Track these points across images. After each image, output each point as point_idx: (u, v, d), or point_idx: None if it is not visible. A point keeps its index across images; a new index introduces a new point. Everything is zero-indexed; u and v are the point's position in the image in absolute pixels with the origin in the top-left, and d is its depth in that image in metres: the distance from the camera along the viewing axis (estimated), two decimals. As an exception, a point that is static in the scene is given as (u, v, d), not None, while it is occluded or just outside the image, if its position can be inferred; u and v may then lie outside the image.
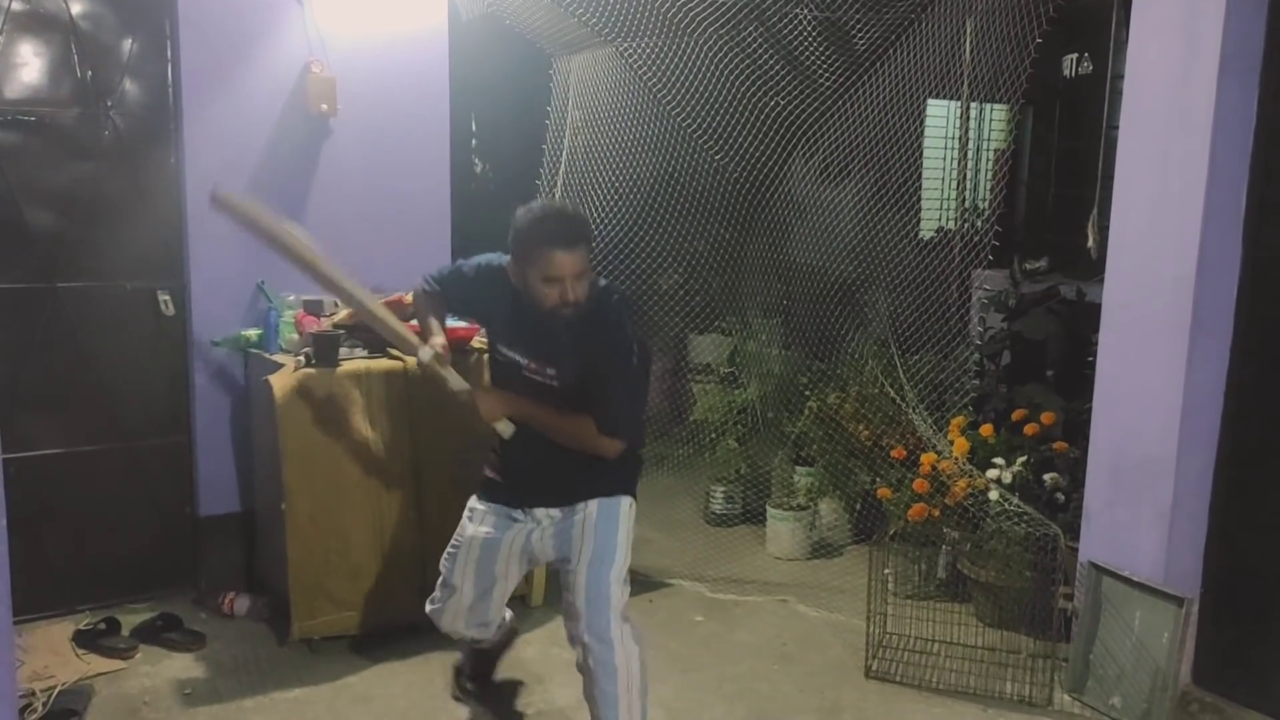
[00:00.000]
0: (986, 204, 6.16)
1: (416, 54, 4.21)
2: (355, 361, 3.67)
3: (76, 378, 3.81)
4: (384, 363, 3.70)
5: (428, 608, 3.14)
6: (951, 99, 4.94)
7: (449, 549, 3.03)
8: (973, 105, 5.08)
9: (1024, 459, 4.02)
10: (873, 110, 3.99)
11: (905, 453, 4.35)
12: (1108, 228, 3.40)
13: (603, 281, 2.78)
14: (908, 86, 4.03)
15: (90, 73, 3.70)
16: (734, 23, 4.01)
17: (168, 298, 3.91)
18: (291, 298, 3.94)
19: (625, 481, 2.87)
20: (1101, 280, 3.41)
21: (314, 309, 3.92)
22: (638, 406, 2.87)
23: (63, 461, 3.81)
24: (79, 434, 3.84)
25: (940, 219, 5.85)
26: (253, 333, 3.93)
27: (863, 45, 3.83)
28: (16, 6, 3.56)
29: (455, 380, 2.83)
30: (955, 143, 5.27)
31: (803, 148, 4.25)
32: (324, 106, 3.97)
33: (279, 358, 3.76)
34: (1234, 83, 3.00)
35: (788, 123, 4.27)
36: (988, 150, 6.45)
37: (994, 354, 5.14)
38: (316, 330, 3.67)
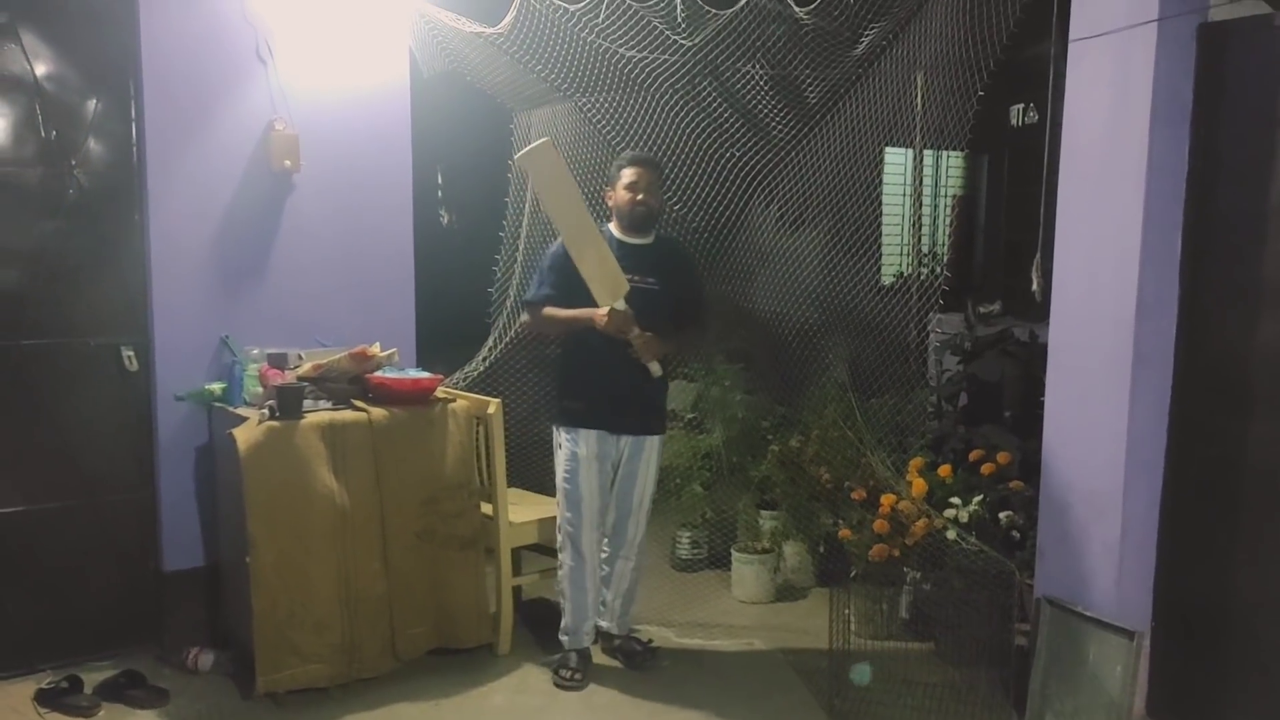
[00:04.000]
0: (944, 249, 6.31)
1: (379, 109, 4.29)
2: (320, 413, 3.70)
3: (39, 434, 3.81)
4: (348, 414, 3.74)
5: (564, 569, 3.85)
6: (908, 147, 5.08)
7: (564, 473, 3.78)
8: (929, 153, 5.23)
9: (980, 498, 4.09)
10: (828, 160, 4.11)
11: (866, 494, 4.39)
12: (1051, 271, 3.50)
13: None
14: (862, 136, 4.15)
15: (55, 132, 3.75)
16: (689, 78, 4.13)
17: (131, 353, 3.92)
18: (255, 351, 3.97)
19: (666, 419, 4.04)
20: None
21: (278, 362, 3.95)
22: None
23: (25, 519, 3.79)
24: (41, 490, 3.82)
25: (900, 265, 5.98)
26: (217, 386, 3.95)
27: (814, 99, 3.95)
28: (-19, 69, 3.60)
29: (638, 328, 3.62)
30: (911, 189, 5.40)
31: (760, 197, 4.37)
32: (287, 162, 4.03)
33: (243, 411, 3.79)
34: (1165, 131, 3.13)
35: (745, 173, 4.39)
36: (945, 196, 6.61)
37: (951, 396, 5.25)
38: (280, 383, 3.70)
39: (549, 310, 3.74)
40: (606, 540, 3.91)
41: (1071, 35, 3.29)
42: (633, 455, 3.81)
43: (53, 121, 3.74)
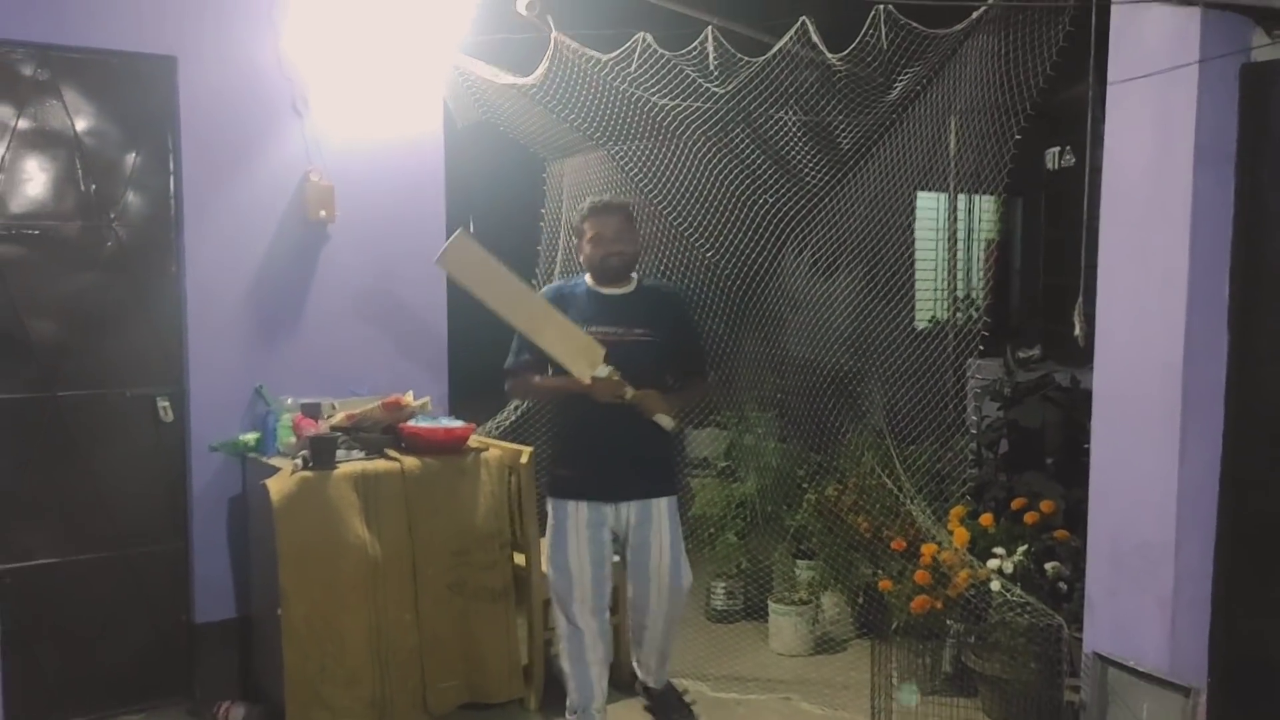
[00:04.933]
0: (979, 294, 6.25)
1: (413, 160, 4.31)
2: (353, 463, 3.69)
3: (74, 486, 3.81)
4: (381, 464, 3.71)
5: (561, 640, 3.56)
6: (940, 191, 5.04)
7: (551, 544, 3.50)
8: (961, 197, 5.19)
9: (1025, 548, 3.99)
10: (861, 205, 4.07)
11: (905, 544, 4.31)
12: (1094, 316, 3.44)
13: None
14: (895, 181, 4.12)
15: (94, 186, 3.79)
16: (722, 125, 4.12)
17: (167, 404, 3.93)
18: (289, 401, 3.97)
19: (677, 477, 3.71)
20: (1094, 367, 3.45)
21: (312, 412, 3.95)
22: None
23: (58, 571, 3.78)
24: (75, 542, 3.82)
25: (934, 309, 5.93)
26: (250, 437, 3.94)
27: (847, 144, 3.92)
28: (23, 125, 3.65)
29: (630, 388, 3.32)
30: (945, 234, 5.36)
31: (794, 243, 4.33)
32: (322, 213, 4.05)
33: (276, 461, 3.77)
34: (1210, 173, 3.07)
35: (778, 219, 4.35)
36: (978, 240, 6.56)
37: (992, 443, 5.15)
38: (314, 433, 3.70)
39: (529, 379, 3.49)
40: (632, 612, 3.67)
41: (1110, 77, 3.24)
42: (641, 523, 3.49)
43: (92, 175, 3.78)
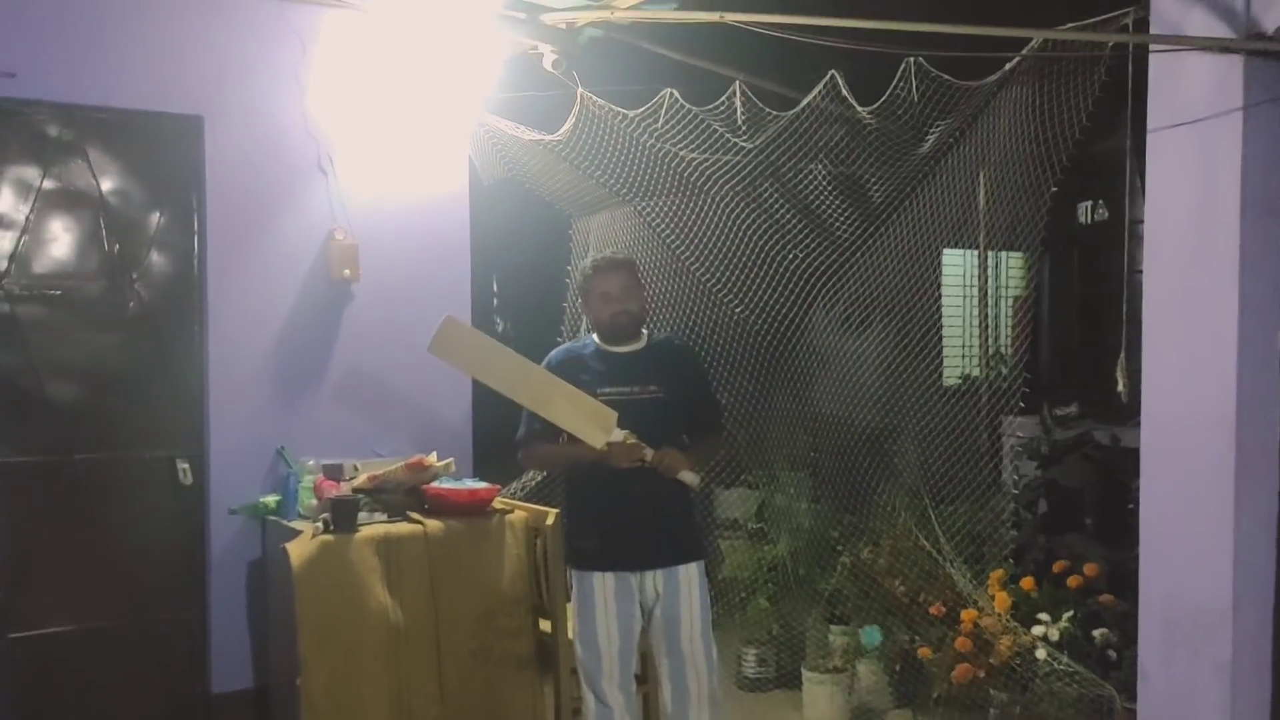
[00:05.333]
0: (1009, 351, 6.18)
1: (438, 218, 4.29)
2: (375, 526, 3.60)
3: (89, 551, 3.73)
4: (404, 527, 3.63)
5: (589, 717, 3.29)
6: (968, 248, 4.97)
7: (577, 619, 3.28)
8: (989, 253, 5.14)
9: (1071, 614, 3.84)
10: (892, 260, 4.00)
11: (945, 609, 4.16)
12: (1138, 371, 3.34)
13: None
14: (925, 236, 4.06)
15: (117, 246, 3.77)
16: (750, 180, 4.06)
17: (186, 466, 3.86)
18: (311, 462, 3.91)
19: (704, 540, 3.54)
20: (1136, 424, 3.33)
21: (333, 473, 3.87)
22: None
23: (74, 638, 3.70)
24: (89, 610, 3.74)
25: (963, 366, 5.83)
26: (271, 499, 3.87)
27: (879, 198, 3.86)
28: (48, 185, 3.65)
29: (649, 450, 3.15)
30: (974, 291, 5.28)
31: (824, 299, 4.24)
32: (346, 272, 4.03)
33: (297, 524, 3.70)
34: (1257, 222, 2.97)
35: (807, 275, 4.28)
36: (1005, 297, 6.49)
37: (1030, 503, 5.02)
38: (335, 495, 3.61)
39: (542, 449, 3.34)
40: (667, 690, 3.37)
41: (1151, 125, 3.17)
42: (669, 592, 3.27)
43: (116, 235, 3.76)
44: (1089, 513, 4.80)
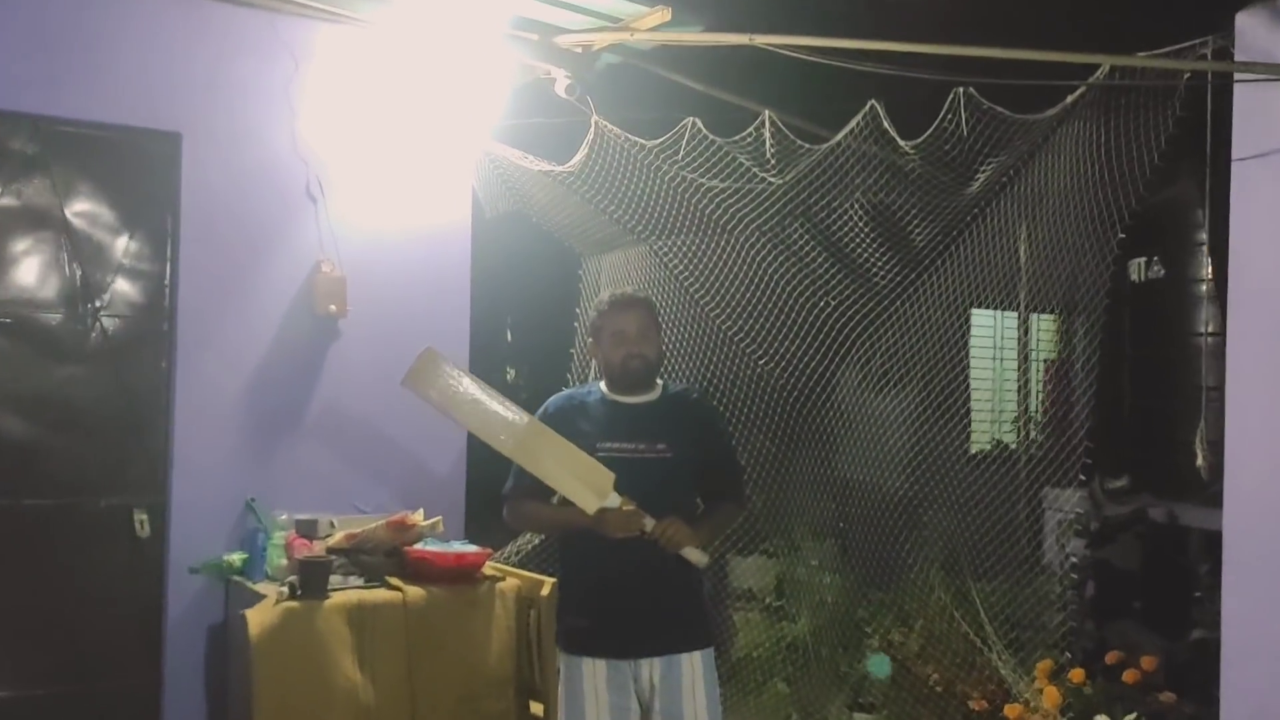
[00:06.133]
0: (1040, 415, 5.86)
1: (436, 252, 4.02)
2: (348, 592, 3.30)
3: (34, 610, 3.38)
4: (381, 593, 3.33)
5: None
6: (1004, 308, 4.66)
7: (564, 712, 2.89)
8: (1011, 314, 4.83)
9: (1134, 716, 3.40)
10: (933, 311, 3.63)
11: (987, 703, 3.74)
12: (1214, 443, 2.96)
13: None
14: (966, 290, 3.71)
15: (80, 271, 3.46)
16: (779, 219, 3.73)
17: (144, 517, 3.52)
18: (284, 517, 3.60)
19: (712, 624, 3.07)
20: (1204, 502, 2.95)
21: (307, 530, 3.56)
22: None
23: (9, 707, 3.34)
24: (32, 674, 3.37)
25: (994, 431, 5.48)
26: (236, 557, 3.55)
27: (921, 241, 3.50)
28: (6, 202, 3.36)
29: (649, 519, 2.77)
30: (1007, 353, 4.98)
31: (857, 352, 3.85)
32: (332, 307, 3.75)
33: (263, 587, 3.39)
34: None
35: (840, 325, 3.91)
36: (1037, 360, 6.19)
37: (1077, 584, 4.63)
38: (305, 556, 3.31)
39: (530, 509, 2.98)
40: None
41: (1235, 154, 2.81)
42: (669, 686, 2.85)
43: (78, 259, 3.46)
44: (1141, 597, 4.45)
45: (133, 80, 3.49)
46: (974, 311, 5.09)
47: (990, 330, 5.28)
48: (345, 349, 3.83)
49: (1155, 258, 4.87)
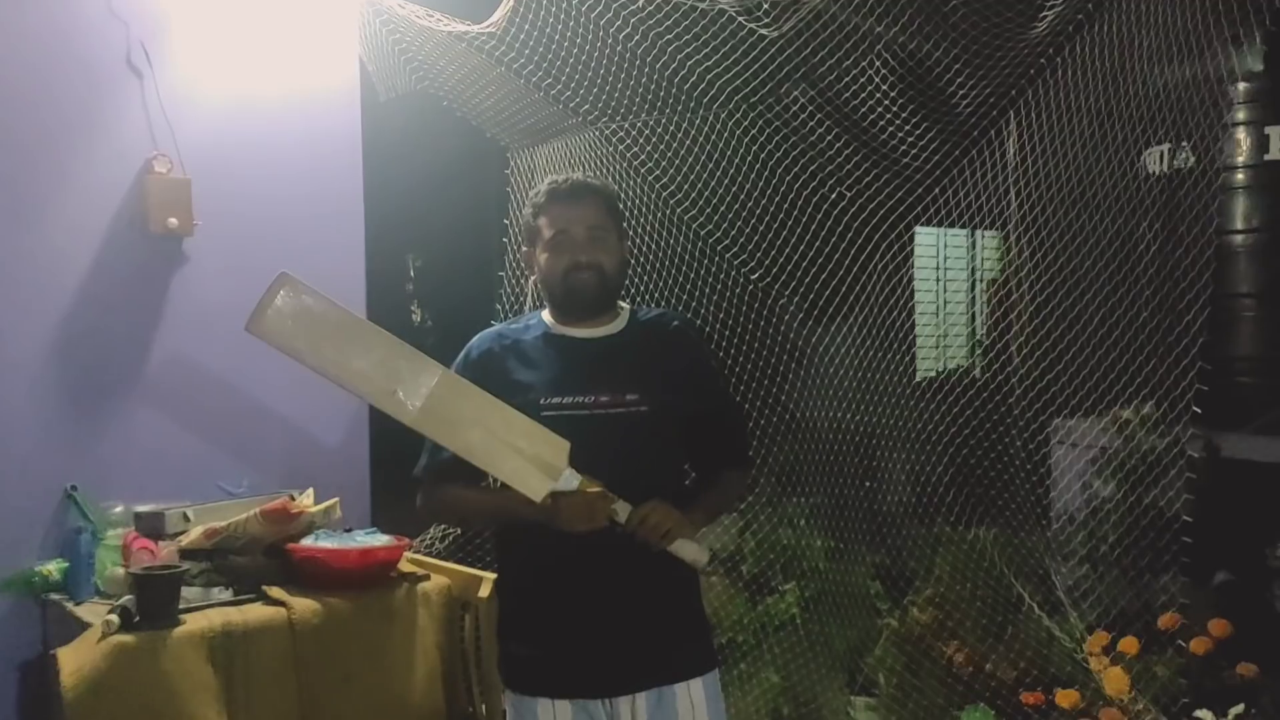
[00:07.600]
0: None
1: (313, 146, 3.28)
2: (209, 613, 2.56)
3: None
4: (257, 610, 2.62)
5: None
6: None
7: None
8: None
9: (1241, 710, 2.88)
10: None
11: (1043, 696, 3.17)
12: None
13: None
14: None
15: None
16: (773, 85, 3.00)
17: (-82, 519, 2.70)
18: (118, 509, 2.89)
19: (713, 641, 2.42)
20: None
21: (151, 526, 2.81)
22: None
23: None
24: None
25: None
26: (53, 567, 2.81)
27: (968, 107, 2.76)
28: None
29: (622, 504, 2.07)
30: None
31: (889, 251, 3.13)
32: (173, 221, 2.97)
33: (90, 609, 2.69)
34: None
35: (859, 222, 3.24)
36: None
37: (1105, 534, 4.15)
38: (143, 568, 2.54)
39: (454, 495, 2.28)
40: None
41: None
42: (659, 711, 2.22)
43: None
44: (1182, 546, 3.98)
45: None
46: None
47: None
48: (193, 279, 3.06)
49: (1184, 144, 4.27)
